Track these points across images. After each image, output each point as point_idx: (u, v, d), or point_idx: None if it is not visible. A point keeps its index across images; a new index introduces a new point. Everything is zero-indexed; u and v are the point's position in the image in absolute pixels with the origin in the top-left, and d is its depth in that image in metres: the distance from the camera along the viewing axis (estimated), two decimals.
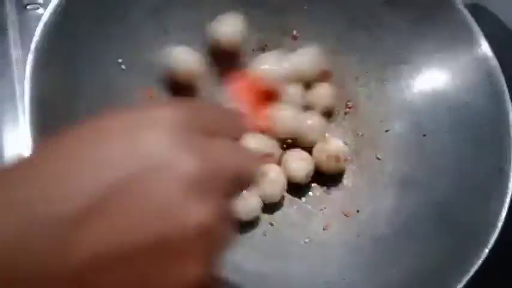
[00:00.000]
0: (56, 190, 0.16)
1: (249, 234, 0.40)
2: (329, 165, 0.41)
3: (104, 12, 0.37)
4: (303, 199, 0.42)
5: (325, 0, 0.44)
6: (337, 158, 0.41)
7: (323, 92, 0.43)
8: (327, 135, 0.42)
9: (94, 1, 0.36)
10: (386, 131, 0.44)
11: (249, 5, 0.42)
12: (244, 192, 0.37)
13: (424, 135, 0.42)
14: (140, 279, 0.16)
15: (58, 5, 0.33)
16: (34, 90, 0.32)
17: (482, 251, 0.34)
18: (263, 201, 0.40)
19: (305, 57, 0.42)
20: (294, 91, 0.42)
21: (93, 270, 0.15)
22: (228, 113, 0.23)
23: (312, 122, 0.42)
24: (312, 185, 0.43)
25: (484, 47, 0.40)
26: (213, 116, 0.21)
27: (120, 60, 0.38)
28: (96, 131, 0.18)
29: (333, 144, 0.41)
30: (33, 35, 0.32)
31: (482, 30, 0.41)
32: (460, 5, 0.41)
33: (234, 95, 0.40)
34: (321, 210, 0.42)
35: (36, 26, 0.33)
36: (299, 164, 0.40)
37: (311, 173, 0.41)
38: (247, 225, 0.40)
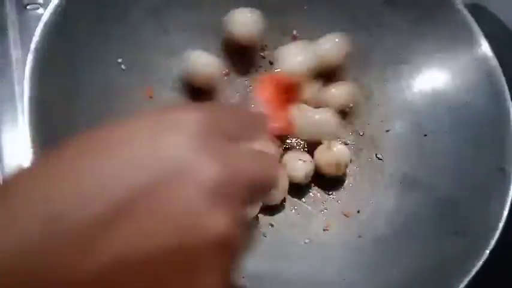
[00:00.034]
0: (79, 192, 0.15)
1: None
2: (329, 169, 0.41)
3: (104, 12, 0.37)
4: (303, 200, 0.42)
5: (325, 0, 0.44)
6: (338, 165, 0.41)
7: (340, 91, 0.43)
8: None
9: (94, 1, 0.36)
10: (387, 131, 0.44)
11: (249, 5, 0.42)
12: None
13: (425, 135, 0.42)
14: (160, 285, 0.16)
15: (58, 5, 0.33)
16: (33, 90, 0.32)
17: (483, 251, 0.34)
18: (264, 203, 0.39)
19: (328, 44, 0.42)
20: (312, 90, 0.42)
21: (116, 273, 0.15)
22: (250, 117, 0.23)
23: (331, 121, 0.41)
24: (312, 185, 0.42)
25: (484, 47, 0.40)
26: (234, 120, 0.20)
27: (120, 60, 0.38)
28: (117, 132, 0.17)
29: (335, 151, 0.41)
30: (33, 35, 0.32)
31: (482, 30, 0.41)
32: (460, 5, 0.41)
33: (255, 95, 0.40)
34: (321, 211, 0.42)
35: (36, 26, 0.33)
36: (299, 164, 0.40)
37: (311, 174, 0.41)
38: None
